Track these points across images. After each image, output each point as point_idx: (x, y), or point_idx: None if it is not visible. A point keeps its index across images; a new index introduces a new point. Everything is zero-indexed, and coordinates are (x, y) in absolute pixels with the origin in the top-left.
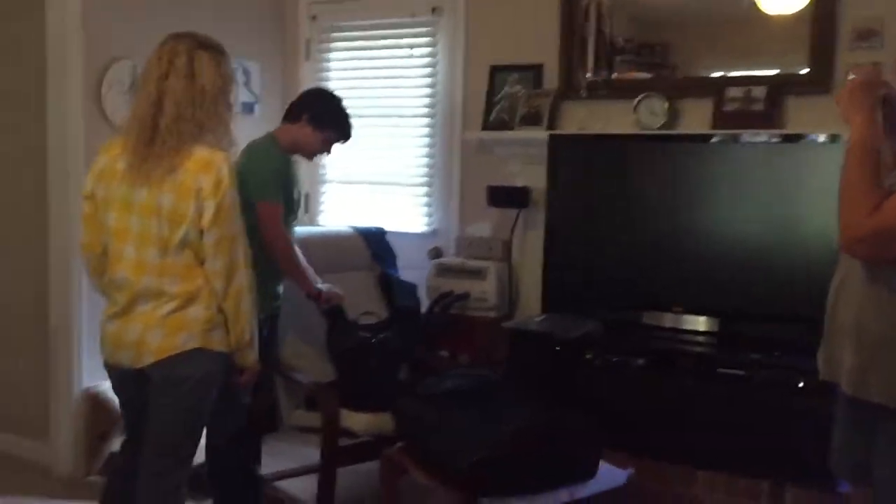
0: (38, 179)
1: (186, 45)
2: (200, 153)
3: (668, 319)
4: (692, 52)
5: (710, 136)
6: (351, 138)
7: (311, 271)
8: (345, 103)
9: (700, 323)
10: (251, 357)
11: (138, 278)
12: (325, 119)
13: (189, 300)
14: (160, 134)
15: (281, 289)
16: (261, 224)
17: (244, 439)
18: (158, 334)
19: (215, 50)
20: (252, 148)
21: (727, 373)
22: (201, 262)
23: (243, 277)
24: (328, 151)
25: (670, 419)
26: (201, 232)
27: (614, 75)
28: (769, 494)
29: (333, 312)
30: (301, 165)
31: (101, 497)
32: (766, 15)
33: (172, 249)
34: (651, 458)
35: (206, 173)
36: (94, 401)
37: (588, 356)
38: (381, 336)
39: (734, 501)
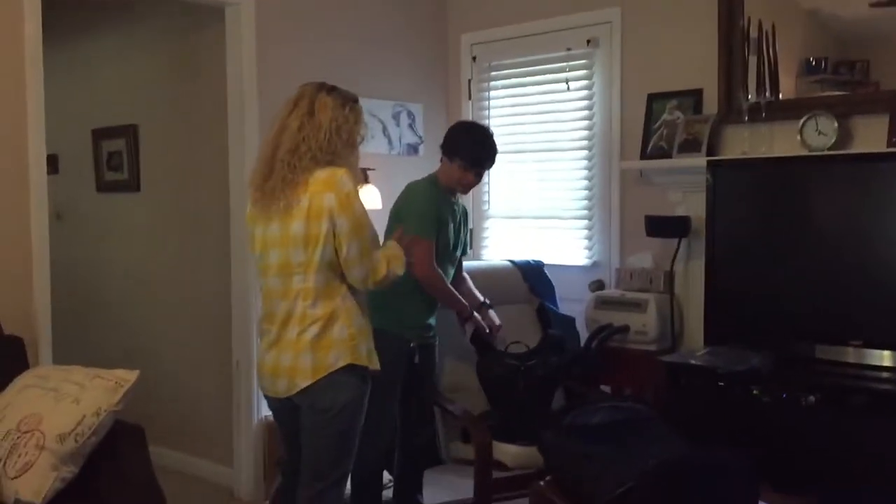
0: (222, 225)
1: (312, 89)
2: (320, 174)
3: (844, 353)
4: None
5: (886, 155)
6: (482, 165)
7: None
8: (480, 132)
9: (880, 357)
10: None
11: (287, 305)
12: (452, 149)
13: (331, 320)
14: (277, 165)
15: (433, 320)
16: (413, 259)
17: (407, 471)
18: (309, 358)
19: (341, 95)
20: (410, 187)
21: None
22: (339, 278)
23: (382, 269)
24: (471, 181)
25: (846, 460)
26: (335, 249)
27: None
28: None
29: (481, 342)
30: (467, 202)
31: None
32: None
33: (312, 273)
34: (823, 501)
35: (331, 191)
36: (272, 429)
37: (755, 392)
38: (529, 363)
39: None
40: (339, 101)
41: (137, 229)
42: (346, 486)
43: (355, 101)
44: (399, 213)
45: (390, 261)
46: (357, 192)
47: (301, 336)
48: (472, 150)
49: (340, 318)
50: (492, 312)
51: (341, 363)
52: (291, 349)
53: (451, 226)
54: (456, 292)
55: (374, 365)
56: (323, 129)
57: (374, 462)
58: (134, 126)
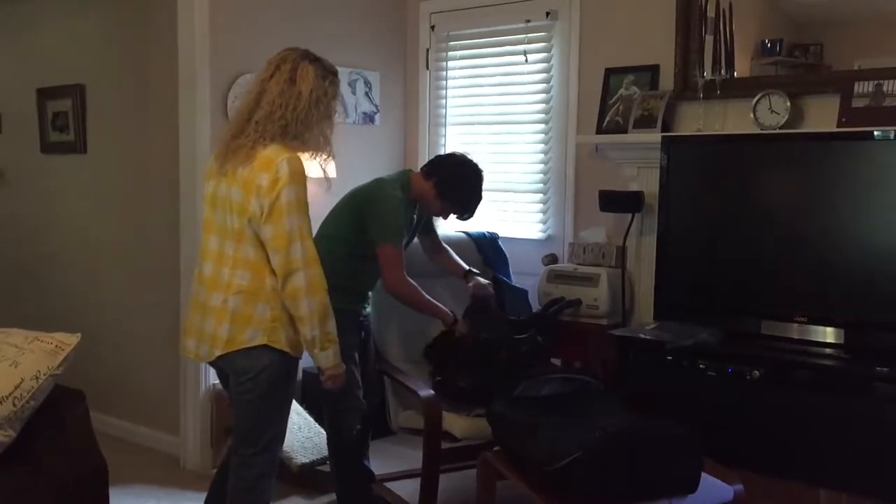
0: (170, 189)
1: (295, 55)
2: (268, 152)
3: (789, 329)
4: (852, 52)
5: (836, 134)
6: (472, 217)
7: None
8: (477, 182)
9: (823, 333)
10: (321, 360)
11: (218, 269)
12: (449, 192)
13: (255, 295)
14: (249, 127)
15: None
16: (381, 267)
17: (363, 440)
18: (226, 329)
19: (323, 66)
20: (382, 193)
21: (851, 387)
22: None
23: (300, 278)
24: (445, 217)
25: (788, 434)
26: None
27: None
28: None
29: (481, 304)
30: None
31: (210, 488)
32: None
33: (242, 243)
34: (765, 474)
35: (265, 171)
36: (220, 397)
37: (701, 365)
38: (525, 335)
39: None
40: (320, 72)
41: (83, 192)
42: (276, 454)
43: (335, 73)
44: (363, 213)
45: (323, 319)
46: (298, 179)
47: (224, 304)
48: (466, 203)
49: (265, 296)
50: (478, 278)
51: (256, 342)
52: (215, 316)
53: (410, 226)
54: (431, 299)
55: (295, 353)
56: (303, 100)
57: (351, 434)
58: (81, 86)
